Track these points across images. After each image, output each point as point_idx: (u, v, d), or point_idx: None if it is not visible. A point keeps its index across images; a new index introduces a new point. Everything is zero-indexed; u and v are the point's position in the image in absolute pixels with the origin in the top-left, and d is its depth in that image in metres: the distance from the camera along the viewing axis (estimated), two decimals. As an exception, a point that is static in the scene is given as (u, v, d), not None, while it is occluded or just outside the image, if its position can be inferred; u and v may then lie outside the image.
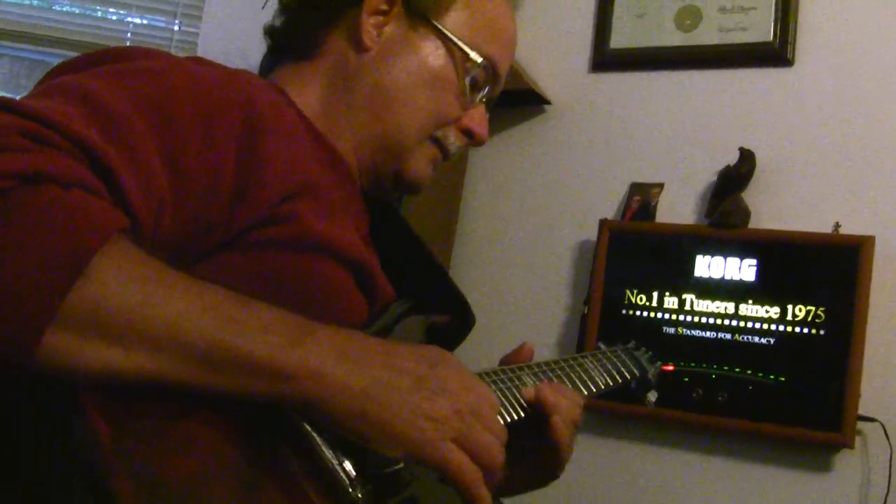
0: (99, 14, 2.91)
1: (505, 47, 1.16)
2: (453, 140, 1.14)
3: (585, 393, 1.21)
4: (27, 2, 2.91)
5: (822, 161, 2.22)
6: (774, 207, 2.23)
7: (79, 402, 0.69)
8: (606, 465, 2.31)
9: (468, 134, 1.15)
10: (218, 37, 2.79)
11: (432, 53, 1.10)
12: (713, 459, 2.20)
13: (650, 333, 2.21)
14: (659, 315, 2.26)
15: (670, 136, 2.41)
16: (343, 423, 0.78)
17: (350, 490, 0.78)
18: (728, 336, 2.18)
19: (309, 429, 0.78)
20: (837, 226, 2.15)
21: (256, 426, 0.76)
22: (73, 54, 0.92)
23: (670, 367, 2.13)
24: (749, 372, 2.14)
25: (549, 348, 2.42)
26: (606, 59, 2.52)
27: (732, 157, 2.24)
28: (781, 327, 2.13)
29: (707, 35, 2.40)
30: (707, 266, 2.23)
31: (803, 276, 2.14)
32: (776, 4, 2.31)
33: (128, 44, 2.88)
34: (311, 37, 1.11)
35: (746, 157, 2.23)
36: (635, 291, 2.30)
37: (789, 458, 2.12)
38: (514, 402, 1.06)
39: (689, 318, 2.23)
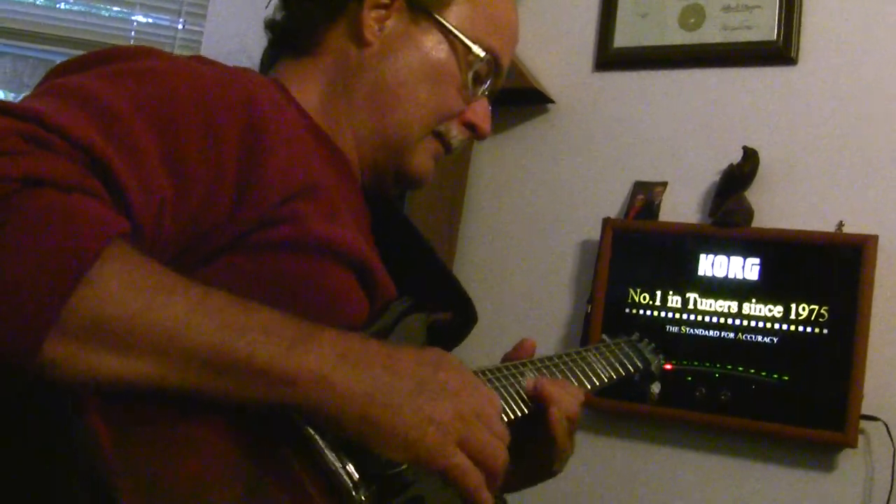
0: (103, 12, 2.91)
1: (507, 39, 1.15)
2: (455, 134, 1.14)
3: (589, 386, 1.21)
4: (31, 0, 2.91)
5: (826, 160, 2.22)
6: (778, 206, 2.23)
7: (79, 403, 0.69)
8: (609, 463, 2.30)
9: (471, 128, 1.14)
10: (222, 35, 2.79)
11: (434, 48, 1.09)
12: (716, 458, 2.20)
13: (653, 332, 2.17)
14: (662, 314, 2.26)
15: (674, 134, 2.41)
16: (345, 427, 0.77)
17: (353, 492, 0.79)
18: (731, 335, 2.18)
19: (311, 431, 0.78)
20: (841, 225, 2.15)
21: (258, 428, 0.76)
22: (77, 53, 0.92)
23: (669, 366, 2.13)
24: (752, 371, 2.13)
25: (553, 347, 2.42)
26: (610, 57, 2.52)
27: (736, 156, 2.24)
28: (785, 326, 2.12)
29: (711, 34, 2.39)
30: (710, 265, 2.23)
31: (807, 275, 2.13)
32: (780, 3, 2.30)
33: (132, 42, 2.88)
34: (312, 32, 1.11)
35: (750, 156, 2.22)
36: (639, 290, 2.30)
37: (792, 457, 2.11)
38: (516, 398, 1.06)
39: (692, 317, 2.23)
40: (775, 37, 2.30)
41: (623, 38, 2.50)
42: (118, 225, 0.71)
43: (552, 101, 2.56)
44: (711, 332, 2.20)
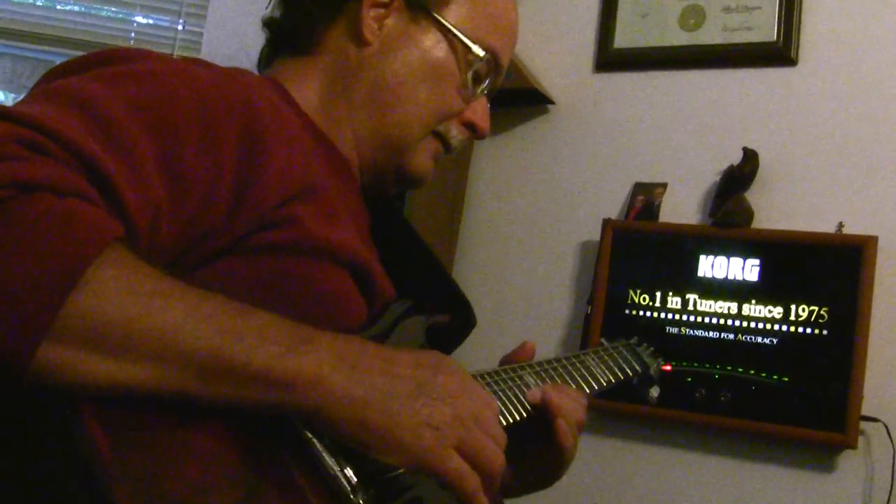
0: (103, 13, 2.91)
1: (507, 38, 1.15)
2: (455, 133, 1.13)
3: (587, 391, 1.21)
4: (30, 1, 2.91)
5: (826, 161, 2.22)
6: (778, 207, 2.23)
7: (76, 408, 0.69)
8: (609, 464, 2.30)
9: (470, 127, 1.14)
10: (222, 36, 2.79)
11: (434, 47, 1.09)
12: (716, 459, 2.20)
13: (653, 333, 2.20)
14: (662, 315, 2.26)
15: (674, 135, 2.41)
16: (343, 431, 0.77)
17: (351, 496, 0.78)
18: (731, 336, 2.17)
19: (309, 436, 0.78)
20: (841, 226, 2.15)
21: (257, 433, 0.76)
22: (76, 54, 0.92)
23: (669, 368, 2.13)
24: (752, 372, 2.13)
25: (553, 348, 2.42)
26: (610, 58, 2.52)
27: (736, 157, 2.24)
28: (785, 327, 2.12)
29: (711, 35, 2.39)
30: (710, 266, 2.23)
31: (807, 275, 2.13)
32: (780, 4, 2.30)
33: (132, 43, 2.87)
34: (310, 31, 1.10)
35: (750, 157, 2.22)
36: (638, 291, 2.29)
37: (792, 458, 2.11)
38: (516, 403, 1.05)
39: (692, 318, 2.23)
40: (775, 37, 2.30)
41: (623, 38, 2.50)
42: (114, 229, 0.71)
43: (552, 102, 2.56)
44: (711, 333, 2.20)
